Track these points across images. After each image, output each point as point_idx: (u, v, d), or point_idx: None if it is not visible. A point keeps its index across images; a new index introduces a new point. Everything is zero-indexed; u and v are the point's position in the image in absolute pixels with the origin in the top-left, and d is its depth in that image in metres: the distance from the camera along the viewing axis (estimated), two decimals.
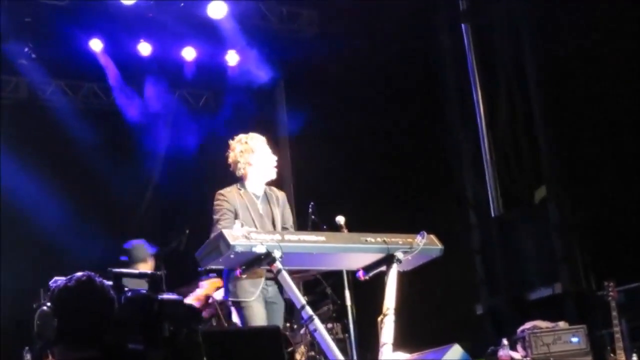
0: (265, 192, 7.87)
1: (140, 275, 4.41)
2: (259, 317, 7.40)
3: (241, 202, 7.65)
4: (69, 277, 3.82)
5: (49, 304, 3.76)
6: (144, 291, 4.00)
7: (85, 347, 3.71)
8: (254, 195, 7.78)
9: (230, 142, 7.94)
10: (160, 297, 3.96)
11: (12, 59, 12.96)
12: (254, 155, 7.79)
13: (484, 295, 12.30)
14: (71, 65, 13.49)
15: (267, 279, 7.49)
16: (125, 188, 14.02)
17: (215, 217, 7.54)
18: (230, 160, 7.89)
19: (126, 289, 4.01)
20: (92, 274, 3.86)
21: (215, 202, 7.65)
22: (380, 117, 12.53)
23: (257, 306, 7.42)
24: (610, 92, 10.71)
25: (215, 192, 7.75)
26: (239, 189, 7.75)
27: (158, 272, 7.94)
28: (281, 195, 8.01)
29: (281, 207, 7.90)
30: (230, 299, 7.49)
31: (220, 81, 14.17)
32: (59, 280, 3.93)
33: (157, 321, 3.88)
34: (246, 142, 7.84)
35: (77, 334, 3.73)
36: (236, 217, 7.48)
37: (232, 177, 7.90)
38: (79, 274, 3.83)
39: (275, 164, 7.89)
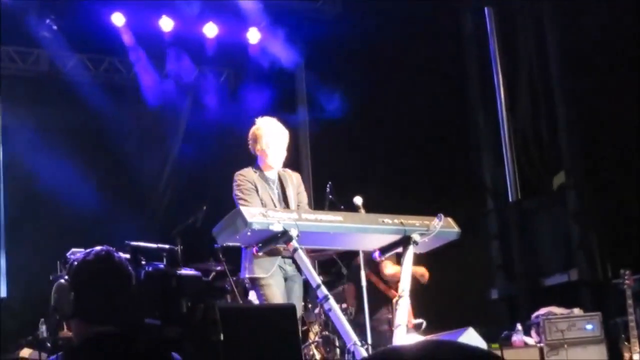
0: (279, 175, 7.87)
1: (158, 250, 4.38)
2: (276, 295, 7.40)
3: (259, 182, 7.66)
4: (87, 251, 3.78)
5: (66, 277, 3.73)
6: (162, 266, 3.96)
7: (102, 322, 3.69)
8: (269, 179, 7.79)
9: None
10: (178, 272, 3.92)
11: (34, 31, 12.97)
12: (263, 141, 7.76)
13: (500, 280, 12.31)
14: (92, 39, 13.47)
15: (284, 257, 7.50)
16: (145, 163, 14.05)
17: (239, 195, 7.53)
18: (248, 142, 7.91)
19: (144, 262, 3.97)
20: (111, 248, 3.82)
21: (236, 183, 7.65)
22: (400, 99, 12.50)
23: (275, 284, 7.43)
24: (632, 79, 10.66)
25: (234, 172, 7.77)
26: (255, 171, 7.76)
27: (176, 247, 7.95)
28: (296, 176, 7.99)
29: (295, 187, 7.89)
30: (247, 276, 7.48)
31: (241, 59, 14.13)
32: (76, 252, 3.90)
33: (175, 297, 3.85)
34: (258, 127, 7.85)
35: (93, 309, 3.69)
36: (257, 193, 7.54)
37: (249, 156, 7.93)
38: (98, 248, 3.78)
39: (280, 154, 7.86)
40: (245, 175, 7.66)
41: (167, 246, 4.33)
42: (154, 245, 4.26)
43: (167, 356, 3.82)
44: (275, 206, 7.47)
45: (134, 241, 4.09)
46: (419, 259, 7.49)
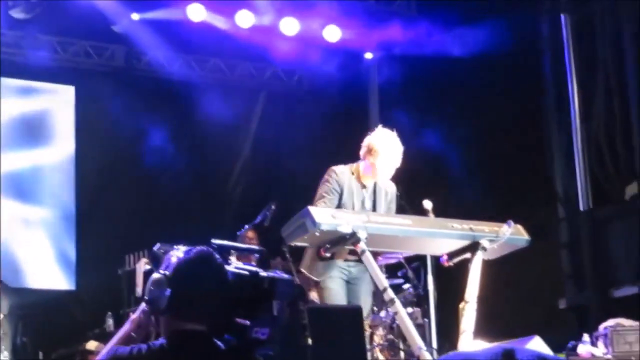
0: (374, 185, 7.85)
1: (249, 250, 4.37)
2: (336, 297, 7.44)
3: (349, 186, 7.64)
4: (188, 248, 3.81)
5: (164, 272, 3.74)
6: (253, 267, 3.98)
7: (194, 320, 3.74)
8: (363, 186, 7.79)
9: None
10: (270, 274, 3.94)
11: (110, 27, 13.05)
12: (379, 158, 7.73)
13: (569, 290, 12.17)
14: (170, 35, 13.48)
15: (349, 260, 7.51)
16: (217, 162, 14.13)
17: (320, 192, 7.56)
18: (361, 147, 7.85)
19: (230, 262, 3.99)
20: (211, 249, 3.87)
21: (325, 178, 7.69)
22: (474, 104, 12.43)
23: (334, 287, 7.46)
24: None
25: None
26: (352, 173, 7.75)
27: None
28: (391, 189, 7.97)
29: (388, 201, 7.87)
30: (306, 273, 7.53)
31: (314, 60, 14.06)
32: (164, 247, 3.92)
33: (266, 299, 3.88)
34: (378, 140, 7.80)
35: (188, 307, 3.74)
36: (340, 198, 7.53)
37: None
38: (199, 247, 3.82)
39: (390, 173, 7.83)
40: (338, 175, 7.68)
41: (257, 247, 4.32)
42: (243, 246, 4.27)
43: (251, 357, 3.86)
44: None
45: (215, 238, 4.10)
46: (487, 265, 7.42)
